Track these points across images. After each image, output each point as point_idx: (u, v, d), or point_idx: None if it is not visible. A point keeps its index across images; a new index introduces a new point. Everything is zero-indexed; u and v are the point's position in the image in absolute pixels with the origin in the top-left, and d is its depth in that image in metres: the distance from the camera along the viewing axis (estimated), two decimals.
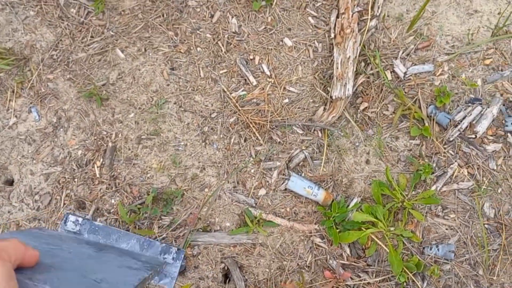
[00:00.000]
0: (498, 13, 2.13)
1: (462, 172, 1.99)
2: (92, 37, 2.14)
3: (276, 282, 1.83)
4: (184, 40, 2.14)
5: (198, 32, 2.15)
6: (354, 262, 1.88)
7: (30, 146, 2.02)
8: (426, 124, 2.02)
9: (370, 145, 2.05)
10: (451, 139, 2.02)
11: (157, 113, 2.05)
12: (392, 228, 1.91)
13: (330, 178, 1.99)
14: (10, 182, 1.99)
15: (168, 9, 2.17)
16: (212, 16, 2.18)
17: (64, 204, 1.96)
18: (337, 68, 2.07)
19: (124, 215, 1.86)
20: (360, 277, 1.85)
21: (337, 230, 1.89)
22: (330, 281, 1.83)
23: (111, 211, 1.94)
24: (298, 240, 1.92)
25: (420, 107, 2.06)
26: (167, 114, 2.05)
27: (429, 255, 1.88)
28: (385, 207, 1.91)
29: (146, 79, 2.10)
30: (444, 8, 2.17)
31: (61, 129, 2.03)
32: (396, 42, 2.15)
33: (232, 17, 2.17)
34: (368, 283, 1.83)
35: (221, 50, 2.14)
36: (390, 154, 2.04)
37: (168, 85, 2.09)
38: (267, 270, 1.88)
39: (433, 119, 2.04)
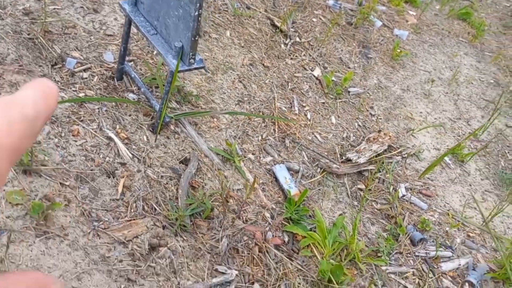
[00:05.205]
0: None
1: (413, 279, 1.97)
2: None
3: (216, 198, 1.73)
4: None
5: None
6: (284, 247, 1.76)
7: None
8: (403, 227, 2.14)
9: (351, 209, 2.16)
10: (416, 254, 2.08)
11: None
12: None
13: (304, 198, 2.06)
14: None
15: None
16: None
17: None
18: (359, 147, 2.41)
19: None
20: (281, 260, 1.69)
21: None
22: (255, 235, 1.70)
23: None
24: (252, 198, 1.88)
25: (403, 219, 2.22)
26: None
27: None
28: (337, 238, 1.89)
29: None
30: (452, 189, 2.55)
31: None
32: (408, 176, 2.49)
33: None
34: (288, 267, 1.67)
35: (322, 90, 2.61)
36: (362, 227, 2.11)
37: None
38: (215, 187, 1.81)
39: (408, 235, 2.16)
